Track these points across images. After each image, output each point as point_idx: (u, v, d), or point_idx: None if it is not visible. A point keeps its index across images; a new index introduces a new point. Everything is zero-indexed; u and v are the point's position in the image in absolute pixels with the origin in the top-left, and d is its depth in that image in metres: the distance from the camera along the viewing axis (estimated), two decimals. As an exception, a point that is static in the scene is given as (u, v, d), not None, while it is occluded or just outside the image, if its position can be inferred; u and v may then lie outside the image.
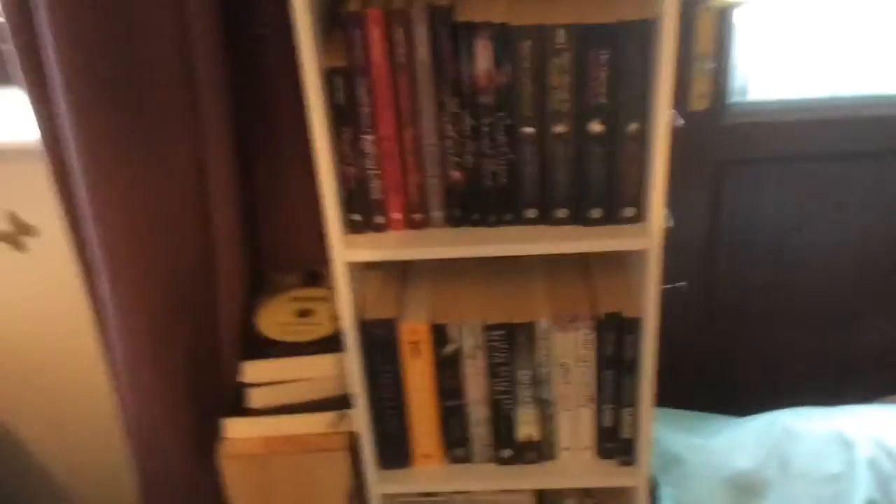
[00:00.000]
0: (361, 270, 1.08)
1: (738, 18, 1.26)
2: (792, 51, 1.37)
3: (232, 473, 1.12)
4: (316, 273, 1.29)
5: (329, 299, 1.21)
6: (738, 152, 1.36)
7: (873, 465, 1.13)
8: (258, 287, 1.27)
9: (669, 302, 1.06)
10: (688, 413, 1.36)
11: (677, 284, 1.00)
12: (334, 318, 1.15)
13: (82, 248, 1.14)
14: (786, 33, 1.37)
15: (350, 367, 1.04)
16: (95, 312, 1.19)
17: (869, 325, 1.50)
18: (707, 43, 1.28)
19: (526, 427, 1.09)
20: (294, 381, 1.13)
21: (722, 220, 1.40)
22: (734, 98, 1.34)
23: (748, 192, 1.38)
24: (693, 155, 1.36)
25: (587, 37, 0.84)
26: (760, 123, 1.35)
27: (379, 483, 1.11)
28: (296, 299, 1.23)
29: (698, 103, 1.32)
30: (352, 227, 0.96)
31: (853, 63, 1.38)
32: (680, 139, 0.92)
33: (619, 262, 1.09)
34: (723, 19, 1.26)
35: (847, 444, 1.16)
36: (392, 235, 0.96)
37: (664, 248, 0.92)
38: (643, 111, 0.87)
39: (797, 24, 1.36)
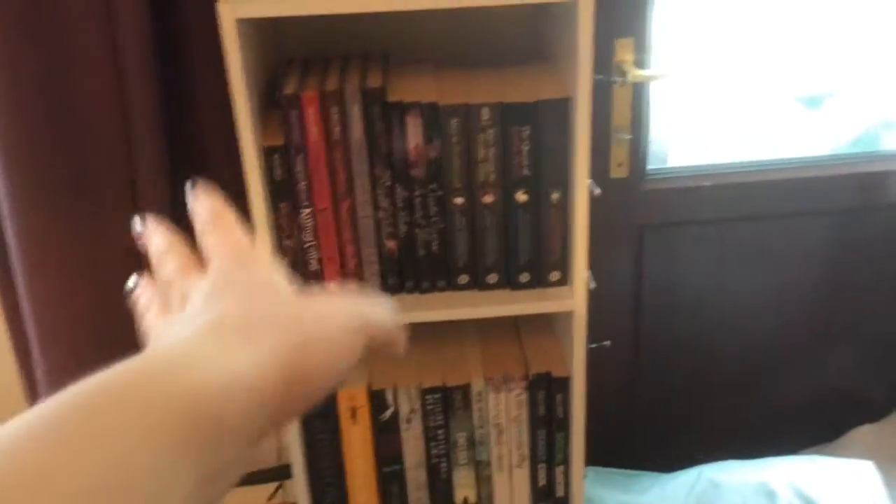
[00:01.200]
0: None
1: (653, 92, 1.35)
2: (706, 119, 1.47)
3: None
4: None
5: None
6: (657, 216, 1.43)
7: (794, 512, 1.19)
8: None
9: (596, 361, 1.11)
10: (618, 471, 1.40)
11: (602, 343, 1.05)
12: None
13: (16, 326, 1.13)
14: (701, 103, 1.47)
15: (288, 436, 1.05)
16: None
17: (789, 381, 1.58)
18: (624, 116, 1.36)
19: (463, 490, 1.11)
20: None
21: (644, 280, 1.47)
22: (652, 165, 1.42)
23: (668, 253, 1.46)
24: (614, 220, 1.43)
25: (509, 114, 0.91)
26: (676, 189, 1.43)
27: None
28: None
29: (618, 171, 1.40)
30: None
31: (762, 129, 1.48)
32: (601, 205, 0.99)
33: (548, 324, 1.14)
34: (639, 93, 1.35)
35: (770, 494, 1.22)
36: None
37: (589, 309, 0.97)
38: (564, 180, 0.93)
39: (711, 94, 1.47)
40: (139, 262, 1.04)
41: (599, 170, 1.34)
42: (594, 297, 0.98)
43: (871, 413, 1.58)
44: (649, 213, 1.44)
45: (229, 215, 0.39)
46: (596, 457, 1.36)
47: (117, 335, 1.12)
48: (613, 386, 1.52)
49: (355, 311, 0.36)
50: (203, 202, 0.39)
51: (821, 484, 1.23)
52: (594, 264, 0.96)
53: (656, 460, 1.45)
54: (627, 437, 1.58)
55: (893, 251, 1.50)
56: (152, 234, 0.41)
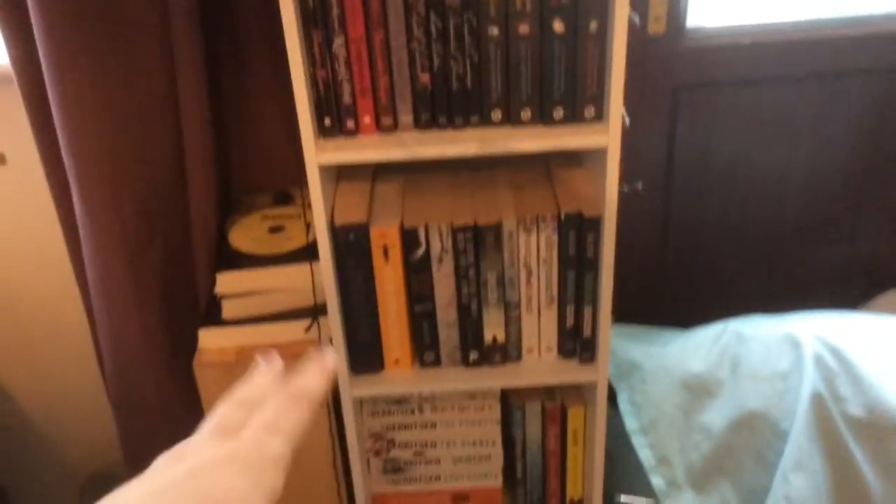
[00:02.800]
0: (332, 180, 1.11)
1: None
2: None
3: (207, 383, 1.16)
4: (287, 194, 1.32)
5: (300, 216, 1.24)
6: (693, 75, 1.41)
7: (819, 361, 1.20)
8: (231, 208, 1.30)
9: (627, 208, 1.11)
10: (644, 328, 1.43)
11: (634, 185, 1.05)
12: (306, 232, 1.19)
13: (54, 169, 1.16)
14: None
15: (323, 274, 1.07)
16: (67, 234, 1.21)
17: (819, 246, 1.58)
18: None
19: (492, 329, 1.14)
20: (267, 291, 1.16)
21: (676, 140, 1.46)
22: (690, 23, 1.39)
23: (703, 114, 1.44)
24: (650, 78, 1.40)
25: (548, -63, 0.88)
26: (714, 47, 1.40)
27: (351, 387, 1.15)
28: (267, 217, 1.26)
29: (655, 27, 1.37)
30: (323, 132, 0.99)
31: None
32: (637, 62, 0.96)
33: (580, 165, 1.14)
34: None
35: (794, 344, 1.23)
36: (363, 139, 1.00)
37: (622, 148, 0.97)
38: (603, 9, 0.91)
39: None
40: (170, 104, 1.02)
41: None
42: (627, 148, 0.97)
43: (899, 280, 1.58)
44: (686, 72, 1.41)
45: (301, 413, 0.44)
46: (621, 316, 1.38)
47: (152, 173, 1.14)
48: (643, 237, 1.54)
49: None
50: (311, 378, 0.45)
51: (847, 335, 1.24)
52: (627, 130, 0.96)
53: (682, 320, 1.47)
54: (654, 297, 1.60)
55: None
56: (256, 375, 0.47)
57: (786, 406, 1.19)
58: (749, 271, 1.59)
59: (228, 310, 1.16)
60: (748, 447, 1.20)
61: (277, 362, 0.47)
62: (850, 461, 1.15)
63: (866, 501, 1.14)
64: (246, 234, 1.21)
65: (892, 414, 1.18)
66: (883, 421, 1.17)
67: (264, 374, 0.47)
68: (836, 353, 1.22)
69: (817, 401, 1.17)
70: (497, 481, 1.31)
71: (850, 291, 1.58)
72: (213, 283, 1.15)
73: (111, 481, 1.24)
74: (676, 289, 1.61)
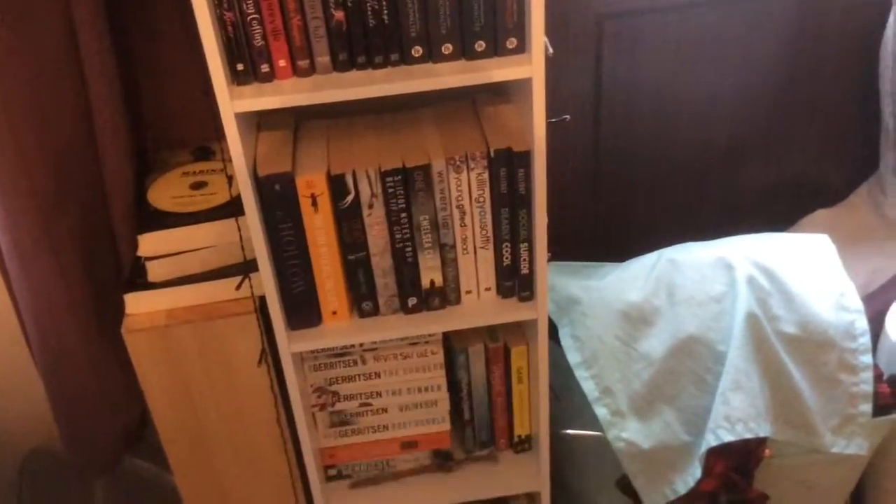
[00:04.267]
0: (252, 131, 1.07)
1: None
2: None
3: (138, 348, 1.12)
4: (207, 148, 1.27)
5: (222, 170, 1.20)
6: (617, 3, 1.39)
7: (752, 282, 1.22)
8: (148, 166, 1.25)
9: (556, 141, 1.10)
10: (581, 263, 1.43)
11: (562, 118, 1.04)
12: (229, 186, 1.15)
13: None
14: None
15: (250, 228, 1.03)
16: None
17: (748, 168, 1.60)
18: None
19: (429, 273, 1.12)
20: (193, 250, 1.12)
21: (605, 69, 1.44)
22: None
23: (628, 42, 1.43)
24: (573, 7, 1.38)
25: None
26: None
27: (289, 343, 1.12)
28: (188, 174, 1.21)
29: (575, -44, 1.34)
30: (237, 78, 0.95)
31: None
32: None
33: (506, 101, 1.11)
34: None
35: (727, 267, 1.25)
36: (279, 84, 0.95)
37: (547, 80, 0.95)
38: (518, -65, 0.88)
39: None
40: (72, 57, 0.95)
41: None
42: (553, 81, 0.95)
43: (828, 199, 1.61)
44: (608, 1, 1.39)
45: None
46: (559, 254, 1.38)
47: (59, 133, 1.08)
48: (574, 171, 1.53)
49: None
50: None
51: (778, 255, 1.27)
52: (551, 60, 0.93)
53: (618, 252, 1.48)
54: (589, 231, 1.60)
55: (852, 33, 1.48)
56: None
57: (722, 328, 1.21)
58: (681, 198, 1.61)
59: (154, 272, 1.11)
60: (688, 371, 1.21)
61: None
62: (787, 377, 1.17)
63: (803, 414, 1.18)
64: (166, 193, 1.17)
65: (823, 329, 1.21)
66: (816, 336, 1.20)
67: None
68: (768, 273, 1.24)
69: (752, 321, 1.19)
70: (445, 425, 1.31)
71: (780, 213, 1.61)
72: (136, 245, 1.11)
73: (51, 456, 1.20)
74: (610, 221, 1.62)
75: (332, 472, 1.34)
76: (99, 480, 1.56)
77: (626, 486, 1.24)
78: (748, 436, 1.14)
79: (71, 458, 1.32)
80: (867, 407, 1.18)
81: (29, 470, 1.49)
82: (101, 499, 1.58)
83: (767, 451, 1.19)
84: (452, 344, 1.27)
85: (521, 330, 1.26)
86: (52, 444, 1.44)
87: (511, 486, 1.34)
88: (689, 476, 1.19)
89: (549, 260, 1.10)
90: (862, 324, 1.21)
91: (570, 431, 1.32)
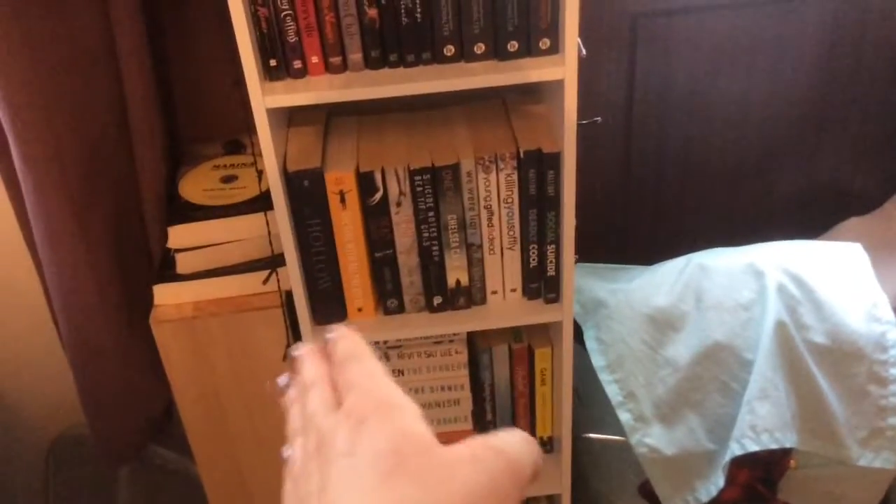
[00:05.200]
0: (283, 126, 1.07)
1: None
2: None
3: (165, 339, 1.13)
4: (238, 142, 1.28)
5: (252, 164, 1.20)
6: (652, 3, 1.38)
7: (782, 290, 1.21)
8: (180, 159, 1.26)
9: (587, 143, 1.09)
10: (608, 266, 1.42)
11: (593, 119, 1.03)
12: (259, 180, 1.15)
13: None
14: None
15: (279, 223, 1.04)
16: (10, 195, 1.16)
17: (780, 174, 1.57)
18: None
19: (455, 273, 1.12)
20: (222, 243, 1.13)
21: (638, 70, 1.43)
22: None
23: (662, 43, 1.41)
24: (608, 7, 1.37)
25: None
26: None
27: (314, 338, 1.13)
28: (218, 167, 1.22)
29: (610, -44, 1.33)
30: (270, 74, 0.95)
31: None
32: None
33: (538, 101, 1.11)
34: None
35: (757, 274, 1.23)
36: (311, 80, 0.96)
37: (580, 80, 0.94)
38: (554, -65, 0.88)
39: None
40: (108, 49, 0.97)
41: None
42: (585, 83, 0.94)
43: (861, 206, 1.59)
44: (643, 0, 1.38)
45: (370, 359, 0.39)
46: (586, 256, 1.37)
47: (93, 123, 1.09)
48: (604, 173, 1.52)
49: (521, 474, 0.37)
50: (343, 340, 0.40)
51: (809, 264, 1.25)
52: (584, 62, 0.93)
53: (646, 256, 1.46)
54: (618, 233, 1.59)
55: (889, 40, 1.45)
56: (304, 360, 0.41)
57: (749, 336, 1.20)
58: (712, 202, 1.59)
59: (183, 264, 1.12)
60: (713, 378, 1.20)
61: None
62: (814, 388, 1.16)
63: (830, 426, 1.16)
64: (197, 186, 1.18)
65: (853, 339, 1.19)
66: (845, 346, 1.18)
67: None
68: (798, 281, 1.23)
69: (780, 329, 1.18)
70: (467, 424, 1.31)
71: (812, 220, 1.58)
72: (166, 237, 1.12)
73: (78, 443, 1.21)
74: (640, 224, 1.60)
75: (354, 467, 1.35)
76: (124, 468, 1.58)
77: (648, 492, 1.23)
78: (773, 446, 1.13)
79: (96, 446, 1.34)
80: (896, 420, 1.16)
81: (56, 455, 1.51)
82: (126, 486, 1.60)
83: (793, 462, 1.17)
84: (477, 344, 1.27)
85: (545, 331, 1.26)
86: (80, 431, 1.46)
87: (531, 487, 1.33)
88: (713, 484, 1.17)
89: (576, 262, 1.10)
90: (893, 335, 1.19)
91: (592, 435, 1.31)
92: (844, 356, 1.18)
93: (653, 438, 1.20)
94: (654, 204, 1.58)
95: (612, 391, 1.24)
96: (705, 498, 1.18)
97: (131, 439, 1.35)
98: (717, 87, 1.47)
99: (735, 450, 1.14)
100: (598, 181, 1.54)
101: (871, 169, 1.59)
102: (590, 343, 1.29)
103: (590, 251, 1.31)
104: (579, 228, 1.07)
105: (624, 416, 1.22)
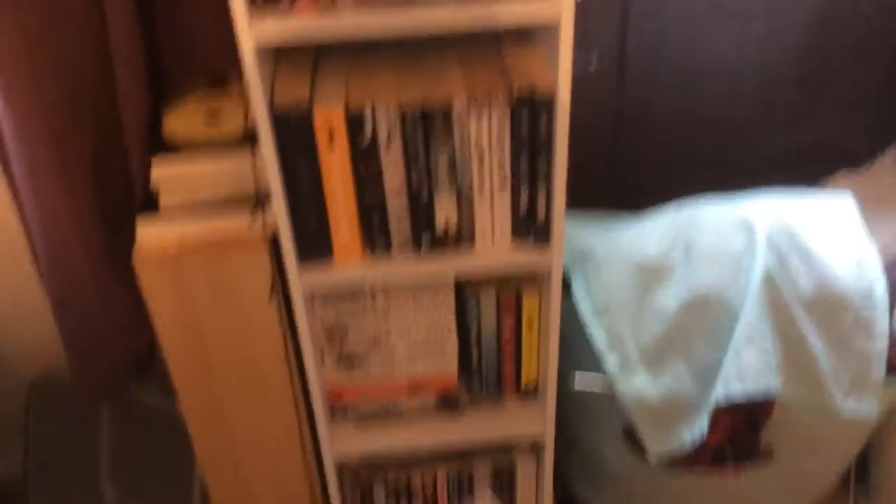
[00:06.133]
0: (270, 63, 1.05)
1: None
2: None
3: (147, 277, 1.11)
4: (223, 78, 1.24)
5: (239, 100, 1.18)
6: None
7: (771, 241, 1.20)
8: (164, 94, 1.22)
9: (581, 91, 1.07)
10: (599, 215, 1.41)
11: (587, 64, 1.01)
12: (245, 116, 1.13)
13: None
14: None
15: (265, 161, 1.02)
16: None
17: (772, 129, 1.56)
18: None
19: (444, 215, 1.10)
20: (207, 180, 1.11)
21: (631, 21, 1.41)
22: None
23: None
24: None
25: None
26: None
27: (300, 279, 1.12)
28: (204, 101, 1.19)
29: None
30: (257, 9, 0.92)
31: None
32: None
33: (532, 44, 1.08)
34: None
35: (747, 225, 1.23)
36: (299, 15, 0.93)
37: (574, 30, 0.92)
38: None
39: None
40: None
41: None
42: (579, 29, 0.92)
43: (853, 162, 1.58)
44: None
45: None
46: (576, 206, 1.36)
47: (73, 52, 1.06)
48: (596, 121, 1.50)
49: None
50: None
51: (799, 216, 1.24)
52: (579, 7, 0.90)
53: (637, 207, 1.46)
54: (609, 184, 1.58)
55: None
56: None
57: (738, 286, 1.20)
58: (704, 155, 1.58)
59: (166, 201, 1.10)
60: (701, 327, 1.20)
61: None
62: (800, 337, 1.16)
63: (814, 374, 1.17)
64: (181, 121, 1.15)
65: (840, 290, 1.19)
66: (833, 297, 1.18)
67: None
68: (788, 233, 1.22)
69: (769, 280, 1.18)
70: (452, 369, 1.31)
71: (803, 176, 1.58)
72: (149, 173, 1.09)
73: (58, 382, 1.20)
74: (631, 175, 1.59)
75: (339, 410, 1.35)
76: (106, 408, 1.57)
77: (631, 436, 1.24)
78: (758, 391, 1.14)
79: (77, 385, 1.33)
80: (880, 370, 1.17)
81: (36, 395, 1.50)
82: (108, 426, 1.60)
83: (776, 409, 1.18)
84: (464, 290, 1.26)
85: (534, 277, 1.25)
86: (60, 370, 1.45)
87: (515, 431, 1.34)
88: (696, 429, 1.18)
89: (566, 209, 1.09)
90: (881, 287, 1.19)
91: (578, 376, 1.31)
92: (832, 307, 1.18)
93: (638, 384, 1.21)
94: (645, 154, 1.57)
95: (599, 337, 1.24)
96: (689, 443, 1.19)
97: (113, 378, 1.34)
98: (712, 37, 1.44)
99: (720, 395, 1.14)
100: (589, 128, 1.52)
101: (864, 127, 1.58)
102: (578, 290, 1.28)
103: (580, 201, 1.30)
104: (570, 177, 1.06)
105: (610, 362, 1.22)
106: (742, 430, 1.18)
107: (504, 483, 1.45)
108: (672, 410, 1.20)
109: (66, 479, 1.60)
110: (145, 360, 1.37)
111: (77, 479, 1.62)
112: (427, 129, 1.02)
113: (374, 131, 1.02)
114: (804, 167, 1.60)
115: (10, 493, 1.60)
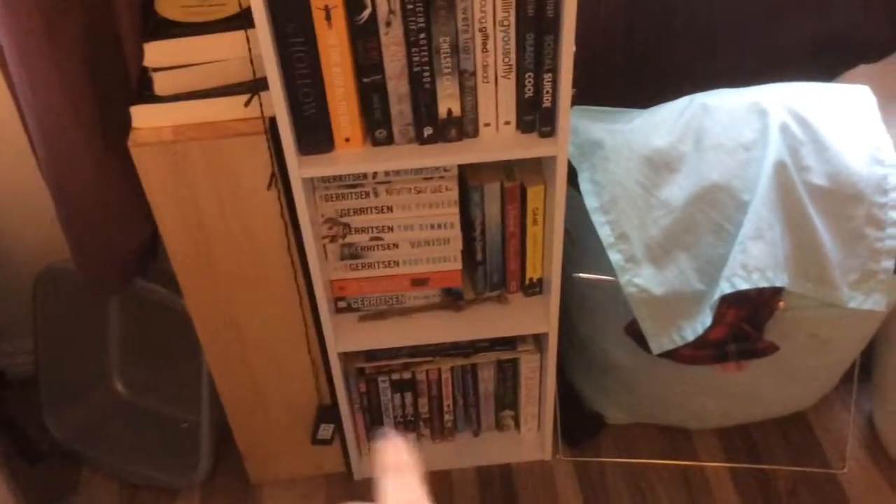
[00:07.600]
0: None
1: None
2: None
3: (145, 163, 1.09)
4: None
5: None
6: None
7: (785, 130, 1.16)
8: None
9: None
10: (607, 108, 1.37)
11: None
12: (240, -4, 1.08)
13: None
14: None
15: (261, 43, 0.98)
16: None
17: (790, 20, 1.50)
18: None
19: (447, 102, 1.07)
20: (202, 63, 1.07)
21: None
22: None
23: None
24: None
25: None
26: None
27: (300, 168, 1.09)
28: (197, -17, 1.14)
29: None
30: None
31: None
32: None
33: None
34: None
35: (761, 113, 1.19)
36: None
37: None
38: None
39: None
40: None
41: None
42: None
43: (872, 56, 1.52)
44: None
45: (412, 473, 0.45)
46: (585, 99, 1.32)
47: None
48: (605, 6, 1.44)
49: None
50: (390, 451, 0.46)
51: (815, 104, 1.20)
52: None
53: (648, 101, 1.41)
54: (620, 76, 1.53)
55: None
56: (386, 451, 0.47)
57: (748, 177, 1.16)
58: (720, 46, 1.52)
59: (161, 85, 1.07)
60: (708, 220, 1.18)
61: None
62: (810, 229, 1.14)
63: (822, 267, 1.15)
64: (174, 1, 1.10)
65: (853, 181, 1.16)
66: (845, 188, 1.15)
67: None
68: (803, 122, 1.19)
69: (780, 169, 1.14)
70: (456, 264, 1.30)
71: (821, 67, 1.52)
72: (142, 55, 1.06)
73: (65, 274, 1.18)
74: (642, 65, 1.54)
75: (342, 303, 1.35)
76: (112, 300, 1.58)
77: (634, 331, 1.23)
78: (764, 285, 1.12)
79: (81, 278, 1.32)
80: (890, 263, 1.15)
81: (43, 287, 1.51)
82: (115, 317, 1.61)
83: (782, 304, 1.17)
84: (468, 181, 1.24)
85: (538, 169, 1.22)
86: (67, 262, 1.45)
87: (519, 326, 1.34)
88: (699, 323, 1.17)
89: (574, 100, 1.05)
90: (894, 179, 1.16)
91: (582, 275, 1.30)
92: (843, 198, 1.15)
93: (642, 279, 1.19)
94: (658, 44, 1.51)
95: (604, 232, 1.22)
96: (691, 336, 1.18)
97: (117, 271, 1.33)
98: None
99: (725, 288, 1.13)
100: (600, 14, 1.46)
101: (884, 17, 1.51)
102: (584, 184, 1.25)
103: (589, 93, 1.26)
104: (577, 67, 1.01)
105: (615, 257, 1.21)
106: (745, 325, 1.17)
107: (508, 376, 1.46)
108: (675, 304, 1.18)
109: (78, 375, 1.62)
110: (148, 256, 1.37)
111: (88, 374, 1.64)
112: (428, 7, 0.98)
113: (374, 8, 0.98)
114: (823, 58, 1.54)
115: (25, 391, 1.62)
